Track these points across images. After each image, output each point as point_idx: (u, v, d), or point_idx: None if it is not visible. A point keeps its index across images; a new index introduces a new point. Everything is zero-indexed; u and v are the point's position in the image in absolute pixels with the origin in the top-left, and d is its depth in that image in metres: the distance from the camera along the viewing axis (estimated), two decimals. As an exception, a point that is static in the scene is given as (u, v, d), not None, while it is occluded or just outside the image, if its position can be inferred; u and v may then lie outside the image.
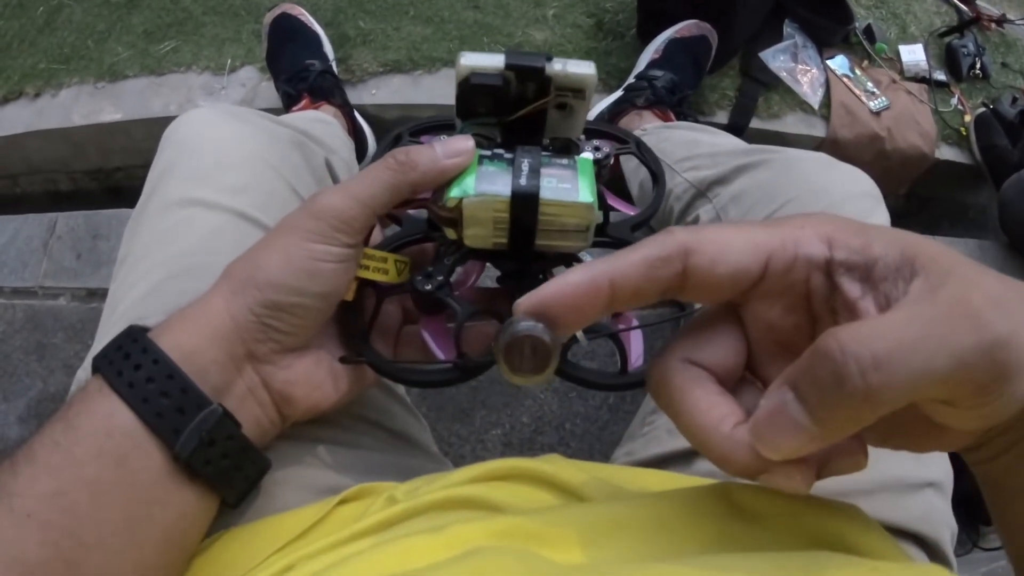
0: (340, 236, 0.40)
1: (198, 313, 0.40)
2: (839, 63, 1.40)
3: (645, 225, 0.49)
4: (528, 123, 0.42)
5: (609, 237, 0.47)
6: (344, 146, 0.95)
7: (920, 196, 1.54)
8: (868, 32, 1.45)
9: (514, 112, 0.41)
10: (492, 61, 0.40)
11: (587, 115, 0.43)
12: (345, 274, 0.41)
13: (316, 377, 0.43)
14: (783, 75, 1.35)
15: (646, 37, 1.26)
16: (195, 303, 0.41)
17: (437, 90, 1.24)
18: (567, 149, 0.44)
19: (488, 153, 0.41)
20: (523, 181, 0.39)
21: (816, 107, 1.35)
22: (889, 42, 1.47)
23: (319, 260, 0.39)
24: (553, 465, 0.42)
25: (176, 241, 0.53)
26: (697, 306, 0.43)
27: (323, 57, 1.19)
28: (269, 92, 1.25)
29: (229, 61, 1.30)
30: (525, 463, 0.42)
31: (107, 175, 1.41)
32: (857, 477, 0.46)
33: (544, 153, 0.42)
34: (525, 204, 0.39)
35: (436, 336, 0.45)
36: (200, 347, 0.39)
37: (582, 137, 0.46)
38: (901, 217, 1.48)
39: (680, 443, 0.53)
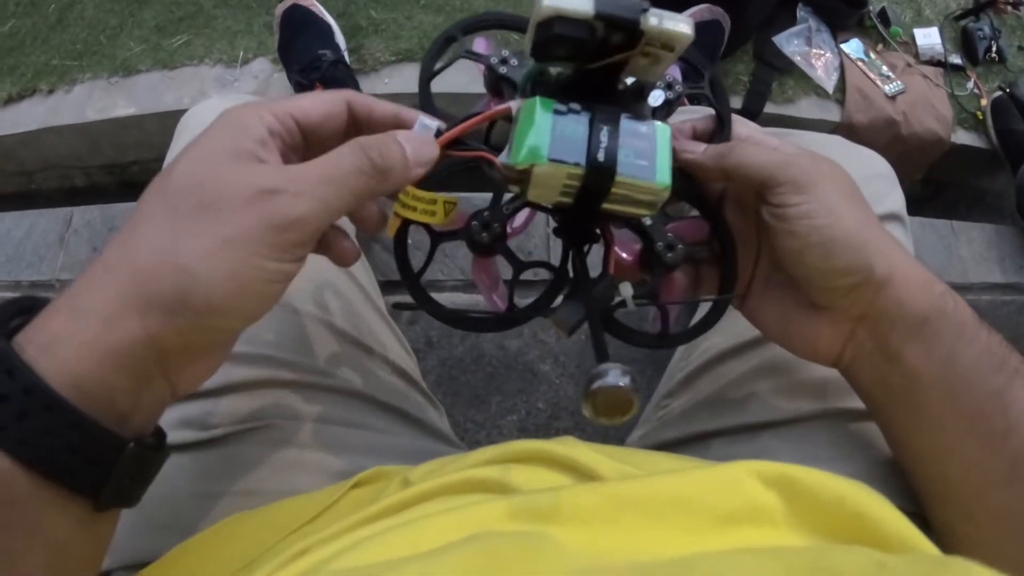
0: (299, 251, 0.35)
1: (100, 334, 0.32)
2: (853, 47, 1.38)
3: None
4: (606, 67, 0.38)
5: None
6: (356, 135, 0.95)
7: (936, 181, 1.53)
8: (883, 15, 1.44)
9: (595, 59, 0.37)
10: (581, 5, 0.34)
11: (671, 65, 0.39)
12: (283, 289, 0.36)
13: (216, 363, 0.39)
14: (797, 59, 1.34)
15: (658, 23, 1.25)
16: (87, 316, 0.32)
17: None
18: (640, 92, 0.42)
19: (563, 108, 0.38)
20: (601, 155, 0.37)
21: (831, 91, 1.33)
22: (904, 26, 1.45)
23: (272, 281, 0.34)
24: (569, 447, 0.42)
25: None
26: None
27: (335, 47, 1.19)
28: (282, 83, 1.25)
29: (241, 53, 1.30)
30: (541, 445, 0.42)
31: (122, 169, 1.42)
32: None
33: (623, 115, 0.39)
34: (600, 177, 0.37)
35: (489, 277, 0.45)
36: (106, 378, 0.32)
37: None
38: (918, 202, 1.47)
39: (695, 427, 0.53)
